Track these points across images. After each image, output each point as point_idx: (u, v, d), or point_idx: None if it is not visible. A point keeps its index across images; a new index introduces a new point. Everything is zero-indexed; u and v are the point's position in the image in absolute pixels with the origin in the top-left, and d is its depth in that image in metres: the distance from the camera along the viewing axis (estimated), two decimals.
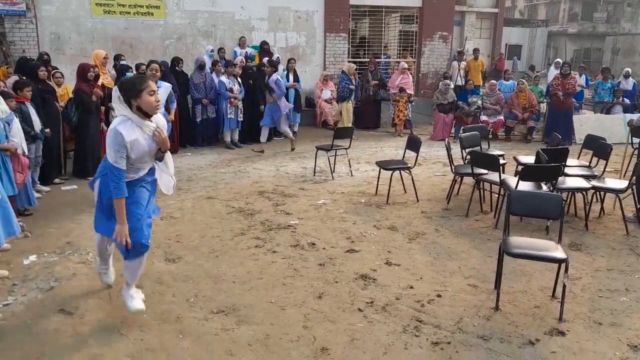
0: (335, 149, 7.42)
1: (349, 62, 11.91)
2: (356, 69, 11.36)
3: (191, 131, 9.37)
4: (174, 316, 3.52)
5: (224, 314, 3.56)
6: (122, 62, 8.46)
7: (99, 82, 7.16)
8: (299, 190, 6.71)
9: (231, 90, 9.15)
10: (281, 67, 10.41)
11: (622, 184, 5.47)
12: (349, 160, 7.73)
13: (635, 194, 5.51)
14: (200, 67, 9.21)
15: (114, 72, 8.49)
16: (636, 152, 7.13)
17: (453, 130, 10.53)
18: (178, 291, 3.89)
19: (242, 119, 9.42)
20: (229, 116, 9.21)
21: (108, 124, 7.46)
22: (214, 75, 9.38)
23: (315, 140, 8.99)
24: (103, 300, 3.73)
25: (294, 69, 10.39)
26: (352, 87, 10.91)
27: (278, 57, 10.36)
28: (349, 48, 12.82)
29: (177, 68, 9.08)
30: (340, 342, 3.22)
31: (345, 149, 7.43)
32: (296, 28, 12.11)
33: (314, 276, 4.16)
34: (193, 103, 9.21)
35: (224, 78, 9.20)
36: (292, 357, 3.07)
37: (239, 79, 9.35)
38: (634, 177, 5.31)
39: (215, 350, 3.13)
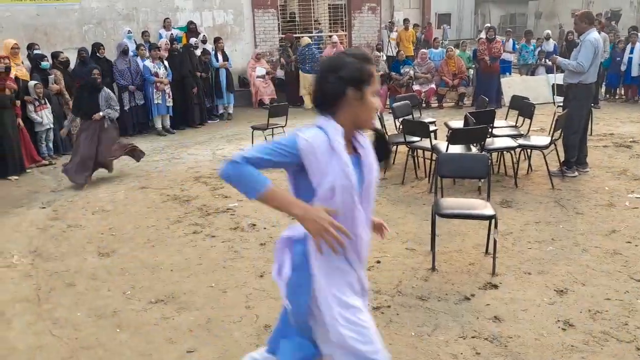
0: (272, 128, 7.33)
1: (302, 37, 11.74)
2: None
3: (120, 120, 8.92)
4: (110, 311, 3.39)
5: (163, 303, 3.47)
6: (35, 52, 7.90)
7: (12, 75, 6.67)
8: None
9: (156, 75, 8.79)
10: (210, 46, 10.10)
11: (545, 140, 5.74)
12: None
13: (563, 148, 5.78)
14: (124, 52, 8.78)
15: (27, 62, 7.93)
16: (559, 109, 7.48)
17: (388, 102, 10.65)
18: (113, 285, 3.74)
19: (171, 104, 9.08)
20: (156, 102, 8.86)
21: (25, 118, 7.01)
22: (138, 59, 8.97)
23: (252, 121, 8.83)
24: (32, 303, 3.53)
25: (222, 48, 10.12)
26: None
27: (204, 36, 10.02)
28: (279, 24, 12.60)
29: (97, 54, 8.60)
30: None
31: (282, 127, 7.35)
32: (222, 5, 11.73)
33: (255, 256, 4.12)
34: (119, 91, 8.78)
35: (148, 62, 8.81)
36: (234, 338, 3.04)
37: (165, 62, 8.99)
38: (557, 132, 5.57)
39: (155, 340, 3.05)
